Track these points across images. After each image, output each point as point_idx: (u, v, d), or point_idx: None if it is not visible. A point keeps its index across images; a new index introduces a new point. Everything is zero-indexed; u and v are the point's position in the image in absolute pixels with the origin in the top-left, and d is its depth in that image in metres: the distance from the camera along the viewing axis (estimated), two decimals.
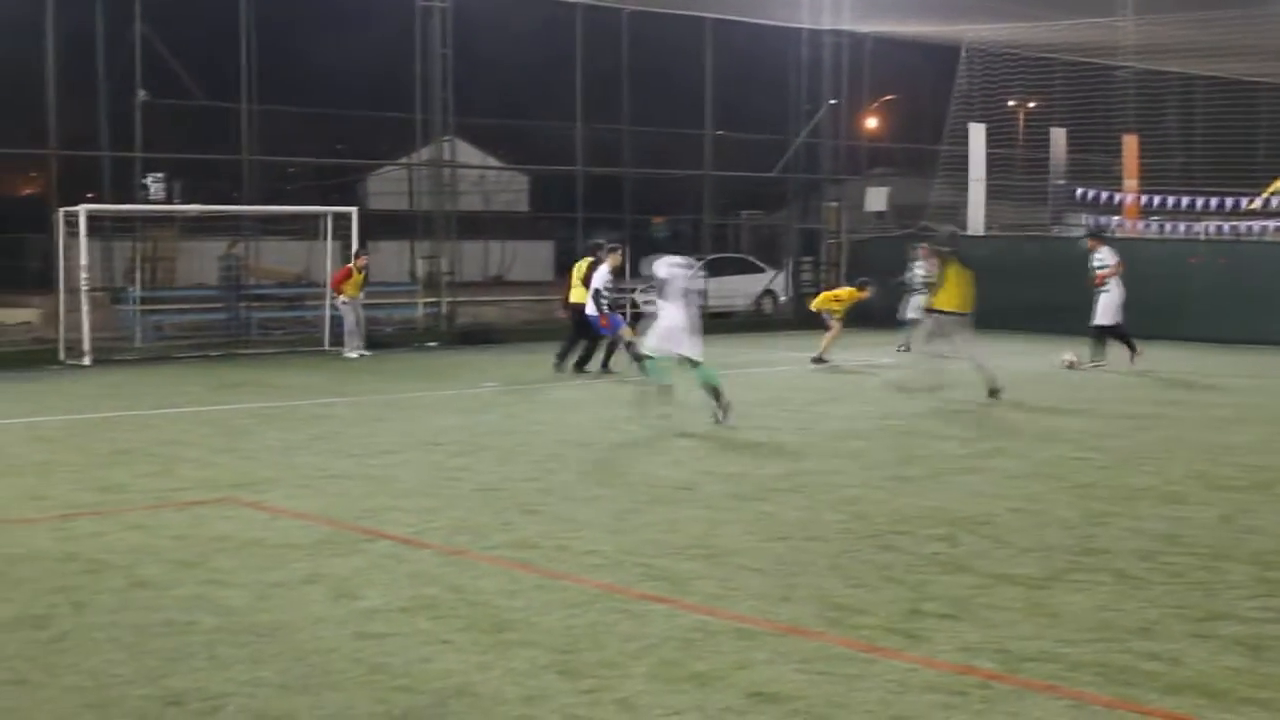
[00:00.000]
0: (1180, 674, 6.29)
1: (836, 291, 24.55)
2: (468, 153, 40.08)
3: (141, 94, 29.57)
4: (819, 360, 22.66)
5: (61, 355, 24.39)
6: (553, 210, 46.28)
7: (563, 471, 12.11)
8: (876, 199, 36.88)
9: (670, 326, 15.05)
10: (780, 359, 24.48)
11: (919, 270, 23.09)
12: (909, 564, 8.45)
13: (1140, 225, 33.61)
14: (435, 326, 30.94)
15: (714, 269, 34.52)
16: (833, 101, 37.25)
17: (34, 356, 24.98)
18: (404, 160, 39.16)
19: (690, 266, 16.61)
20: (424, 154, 33.94)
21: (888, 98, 47.48)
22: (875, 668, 6.35)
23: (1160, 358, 22.46)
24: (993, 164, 34.82)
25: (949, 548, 8.92)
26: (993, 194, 34.51)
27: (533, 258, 44.74)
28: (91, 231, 24.92)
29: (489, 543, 9.14)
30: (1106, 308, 21.99)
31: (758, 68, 39.19)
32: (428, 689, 6.08)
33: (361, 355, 25.22)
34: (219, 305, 28.43)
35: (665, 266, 15.34)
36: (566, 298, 22.90)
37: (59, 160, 28.56)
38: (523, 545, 9.05)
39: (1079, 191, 33.92)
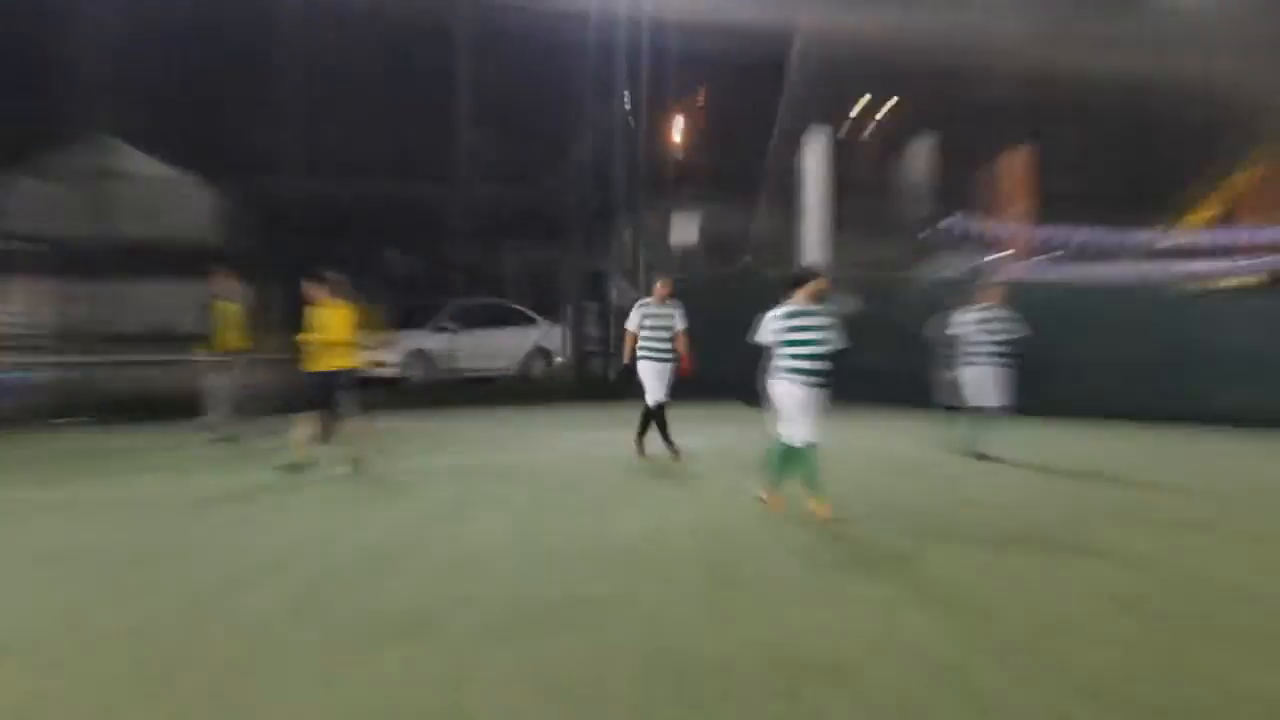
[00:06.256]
0: None
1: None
2: None
3: None
4: None
5: None
6: None
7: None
8: (685, 228, 36.49)
9: None
10: (551, 442, 23.10)
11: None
12: None
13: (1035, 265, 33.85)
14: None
15: (464, 320, 33.77)
16: (628, 101, 36.84)
17: None
18: None
19: None
20: None
21: (699, 101, 47.53)
22: None
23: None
24: (838, 186, 34.66)
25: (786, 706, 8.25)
26: (840, 223, 34.32)
27: None
28: None
29: None
30: None
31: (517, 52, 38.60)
32: None
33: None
34: None
35: None
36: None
37: None
38: None
39: (946, 223, 34.04)
